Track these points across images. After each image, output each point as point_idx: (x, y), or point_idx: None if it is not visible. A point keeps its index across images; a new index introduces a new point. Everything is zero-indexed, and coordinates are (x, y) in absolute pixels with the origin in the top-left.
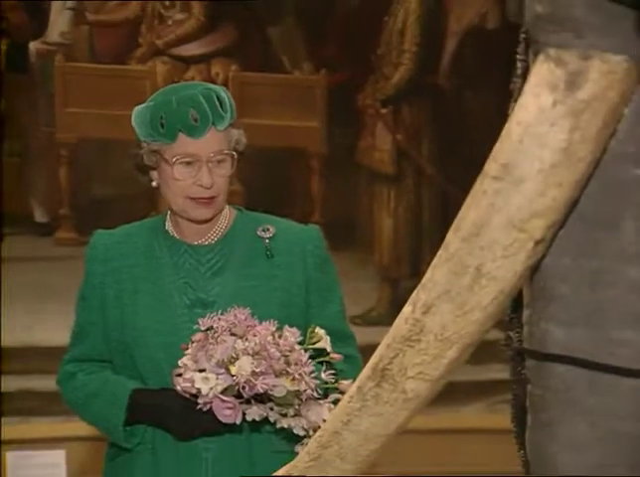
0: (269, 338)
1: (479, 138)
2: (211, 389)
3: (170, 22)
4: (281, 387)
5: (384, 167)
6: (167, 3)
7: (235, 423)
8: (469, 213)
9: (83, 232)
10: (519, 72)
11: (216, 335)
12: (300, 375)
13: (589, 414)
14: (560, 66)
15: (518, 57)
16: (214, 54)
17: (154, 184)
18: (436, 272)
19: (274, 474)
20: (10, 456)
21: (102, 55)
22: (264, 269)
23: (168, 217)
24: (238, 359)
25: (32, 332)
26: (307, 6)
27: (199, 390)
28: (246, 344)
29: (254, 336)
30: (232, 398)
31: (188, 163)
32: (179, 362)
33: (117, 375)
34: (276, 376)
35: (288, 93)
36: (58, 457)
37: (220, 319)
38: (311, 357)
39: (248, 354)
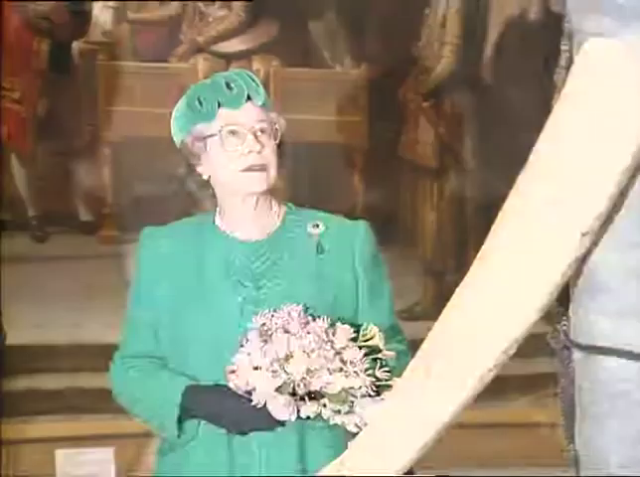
0: (323, 335)
1: (521, 131)
2: (265, 386)
3: (210, 19)
4: (336, 384)
5: (426, 160)
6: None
7: (288, 420)
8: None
9: (126, 230)
10: (562, 62)
11: (270, 332)
12: (355, 372)
13: (639, 407)
14: (605, 55)
15: (562, 47)
16: (255, 50)
17: (205, 176)
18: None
19: (322, 471)
20: (60, 454)
21: (144, 53)
22: (315, 266)
23: (217, 212)
24: (292, 356)
25: (80, 329)
26: (347, 0)
27: (254, 387)
28: (301, 341)
29: (309, 333)
30: (286, 396)
31: (233, 132)
32: (233, 359)
33: (170, 371)
34: (330, 373)
35: (330, 88)
36: (107, 454)
37: (273, 316)
38: (365, 354)
39: (303, 351)
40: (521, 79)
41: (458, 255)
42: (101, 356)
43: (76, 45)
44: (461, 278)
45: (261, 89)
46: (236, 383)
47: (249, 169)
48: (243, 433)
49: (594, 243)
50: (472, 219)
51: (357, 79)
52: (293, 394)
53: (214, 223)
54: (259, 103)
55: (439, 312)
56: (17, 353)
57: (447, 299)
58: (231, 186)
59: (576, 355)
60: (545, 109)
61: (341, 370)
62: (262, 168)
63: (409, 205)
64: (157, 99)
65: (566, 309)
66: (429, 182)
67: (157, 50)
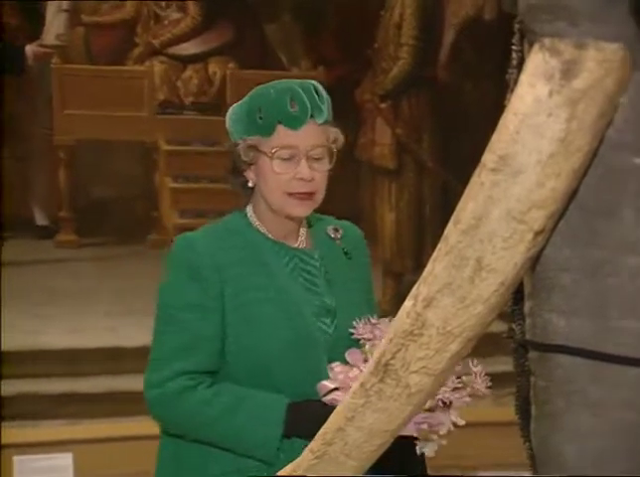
0: None
1: (479, 130)
2: None
3: (166, 22)
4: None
5: (384, 161)
6: (163, 3)
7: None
8: (468, 205)
9: (83, 234)
10: (514, 62)
11: (373, 345)
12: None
13: (593, 404)
14: (556, 55)
15: (513, 47)
16: (211, 52)
17: (250, 184)
18: (437, 266)
19: (279, 473)
20: (17, 460)
21: (99, 56)
22: (349, 271)
23: (254, 217)
24: None
25: (35, 335)
26: (303, 2)
27: None
28: None
29: None
30: None
31: (287, 156)
32: (331, 374)
33: (260, 389)
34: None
35: None
36: (65, 460)
37: (374, 327)
38: None
39: None
40: (477, 78)
41: (416, 256)
42: (56, 361)
43: (29, 48)
44: (419, 278)
45: (325, 105)
46: (335, 398)
47: (296, 195)
48: None
49: (546, 241)
50: (431, 219)
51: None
52: None
53: (255, 229)
54: (321, 121)
55: (398, 312)
56: None
57: (405, 299)
58: (275, 205)
59: (532, 353)
60: (500, 108)
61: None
62: (310, 196)
63: (368, 206)
64: (113, 102)
65: (522, 308)
66: (388, 183)
67: (112, 53)
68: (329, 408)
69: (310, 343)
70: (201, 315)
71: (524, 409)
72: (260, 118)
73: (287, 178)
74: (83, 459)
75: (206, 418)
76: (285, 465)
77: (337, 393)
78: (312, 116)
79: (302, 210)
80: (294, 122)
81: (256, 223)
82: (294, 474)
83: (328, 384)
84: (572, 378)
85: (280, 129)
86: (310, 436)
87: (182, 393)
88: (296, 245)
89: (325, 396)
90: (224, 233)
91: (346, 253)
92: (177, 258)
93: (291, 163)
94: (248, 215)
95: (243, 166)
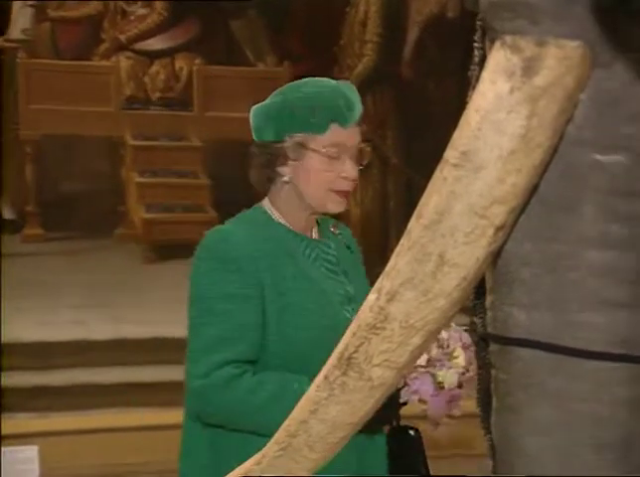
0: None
1: (442, 126)
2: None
3: (133, 17)
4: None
5: None
6: None
7: None
8: (430, 200)
9: (50, 228)
10: (476, 59)
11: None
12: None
13: (552, 397)
14: (516, 52)
15: (475, 44)
16: (177, 48)
17: (286, 179)
18: (400, 260)
19: (243, 464)
20: None
21: (65, 51)
22: (354, 263)
23: (273, 211)
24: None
25: (3, 329)
26: None
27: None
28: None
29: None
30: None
31: (336, 154)
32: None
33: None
34: None
35: (253, 86)
36: (31, 453)
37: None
38: None
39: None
40: (441, 75)
41: (381, 251)
42: (26, 354)
43: None
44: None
45: (361, 105)
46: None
47: (339, 192)
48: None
49: (508, 236)
50: (395, 214)
51: (279, 77)
52: None
53: (277, 222)
54: (358, 121)
55: None
56: None
57: None
58: (311, 200)
59: (493, 346)
60: (462, 105)
61: None
62: (348, 194)
63: None
64: (79, 97)
65: (483, 302)
66: None
67: (79, 48)
68: None
69: (340, 330)
70: (242, 305)
71: (485, 402)
72: (313, 116)
73: (333, 176)
74: (50, 452)
75: (251, 407)
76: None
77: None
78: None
79: (341, 206)
80: (346, 121)
81: (277, 216)
82: (260, 465)
83: None
84: (532, 370)
85: (333, 128)
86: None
87: (229, 382)
88: (316, 237)
89: None
90: (251, 225)
91: (348, 247)
92: (213, 251)
93: (337, 161)
94: (266, 208)
95: (281, 161)
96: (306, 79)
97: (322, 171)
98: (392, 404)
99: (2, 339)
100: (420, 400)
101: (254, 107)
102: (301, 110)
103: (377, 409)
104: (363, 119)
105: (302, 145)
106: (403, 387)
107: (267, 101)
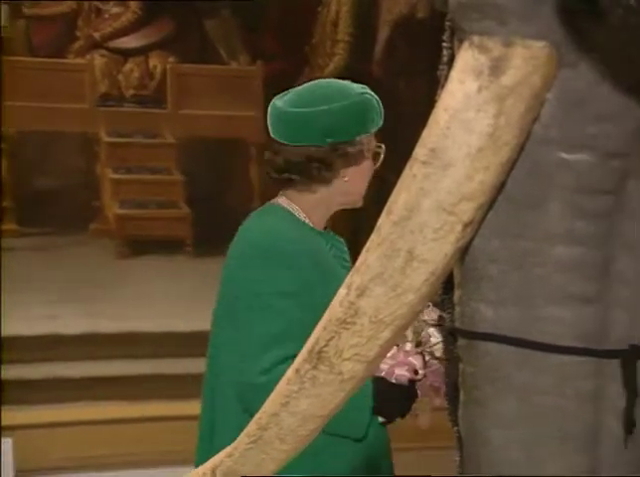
0: None
1: (412, 125)
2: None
3: (107, 15)
4: None
5: None
6: None
7: None
8: (400, 197)
9: (25, 223)
10: (445, 59)
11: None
12: None
13: (518, 390)
14: (484, 52)
15: (443, 44)
16: (151, 46)
17: (346, 179)
18: (369, 256)
19: (215, 456)
20: None
21: (40, 48)
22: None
23: (295, 208)
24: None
25: None
26: None
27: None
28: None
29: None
30: None
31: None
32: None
33: None
34: None
35: (225, 84)
36: (5, 446)
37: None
38: None
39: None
40: (411, 75)
41: (351, 247)
42: (1, 348)
43: None
44: None
45: None
46: (402, 374)
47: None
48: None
49: (475, 232)
50: (365, 211)
51: (252, 76)
52: None
53: (299, 220)
54: None
55: None
56: None
57: None
58: (356, 197)
59: (460, 341)
60: (431, 104)
61: None
62: None
63: None
64: (54, 95)
65: (452, 297)
66: None
67: (53, 45)
68: (401, 387)
69: None
70: (296, 301)
71: (453, 395)
72: (373, 121)
73: (370, 176)
74: (24, 445)
75: None
76: (373, 440)
77: (398, 370)
78: None
79: (360, 202)
80: (379, 123)
81: (303, 215)
82: (231, 457)
83: (382, 365)
84: (499, 364)
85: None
86: (391, 415)
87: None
88: (333, 234)
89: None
90: (287, 223)
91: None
92: (263, 247)
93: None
94: (287, 207)
95: (341, 163)
96: (330, 82)
97: (368, 171)
98: (408, 398)
99: None
100: (431, 386)
101: (288, 111)
102: (364, 115)
103: (393, 404)
104: None
105: (361, 147)
106: (418, 381)
107: (307, 109)
